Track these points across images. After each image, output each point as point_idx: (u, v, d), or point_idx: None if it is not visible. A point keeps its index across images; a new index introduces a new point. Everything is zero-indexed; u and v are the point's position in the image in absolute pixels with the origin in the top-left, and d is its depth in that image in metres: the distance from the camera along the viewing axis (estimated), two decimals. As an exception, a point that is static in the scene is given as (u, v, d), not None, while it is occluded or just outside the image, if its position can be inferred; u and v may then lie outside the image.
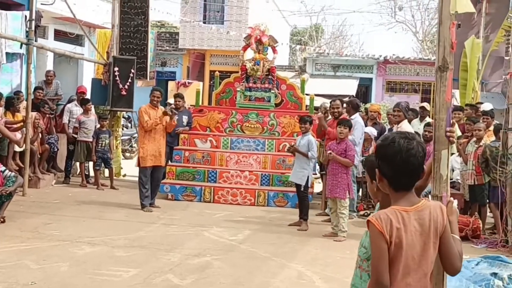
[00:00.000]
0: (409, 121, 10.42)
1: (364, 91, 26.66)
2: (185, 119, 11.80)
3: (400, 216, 2.48)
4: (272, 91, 12.17)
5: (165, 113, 9.54)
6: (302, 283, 5.93)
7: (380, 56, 25.92)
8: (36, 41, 11.55)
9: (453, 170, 9.79)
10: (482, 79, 13.44)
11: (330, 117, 11.57)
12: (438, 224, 2.53)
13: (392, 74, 26.23)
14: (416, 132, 9.49)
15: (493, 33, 13.64)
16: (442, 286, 2.77)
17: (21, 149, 10.35)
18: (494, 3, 13.09)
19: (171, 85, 23.16)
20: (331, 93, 22.86)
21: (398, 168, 2.53)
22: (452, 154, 9.95)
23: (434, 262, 2.58)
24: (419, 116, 10.99)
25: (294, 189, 10.58)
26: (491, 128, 9.58)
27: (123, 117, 14.69)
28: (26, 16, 11.67)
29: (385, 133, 11.08)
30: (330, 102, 10.25)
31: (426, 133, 8.80)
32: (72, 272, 5.81)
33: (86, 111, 12.07)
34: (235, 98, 12.28)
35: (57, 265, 6.01)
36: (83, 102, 12.23)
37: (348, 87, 24.52)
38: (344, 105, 10.20)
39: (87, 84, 14.35)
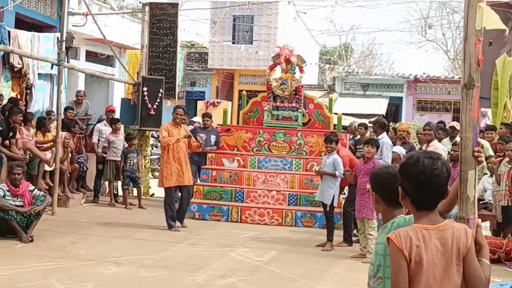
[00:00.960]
0: (439, 140, 10.25)
1: (394, 110, 26.42)
2: (213, 138, 11.84)
3: (420, 234, 2.46)
4: (299, 110, 12.11)
5: (187, 137, 9.54)
6: (329, 306, 5.82)
7: (410, 75, 25.71)
8: (68, 62, 11.76)
9: (485, 191, 9.59)
10: (514, 97, 13.14)
11: (358, 136, 11.54)
12: (461, 245, 2.47)
13: (422, 93, 25.96)
14: (449, 152, 9.35)
15: (525, 51, 13.39)
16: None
17: (51, 169, 10.46)
18: (526, 20, 12.87)
19: (200, 104, 23.30)
20: (360, 112, 22.75)
21: (421, 187, 2.50)
22: (485, 174, 9.79)
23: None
24: (449, 136, 10.82)
25: (322, 209, 10.50)
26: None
27: (152, 136, 14.78)
28: (57, 38, 11.89)
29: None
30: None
31: (452, 152, 8.73)
32: (97, 292, 5.81)
33: (115, 131, 12.19)
34: (262, 117, 12.26)
35: (83, 285, 6.02)
36: (112, 122, 12.37)
37: (378, 106, 24.34)
38: (371, 125, 10.09)
39: (117, 104, 14.52)
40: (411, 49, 65.77)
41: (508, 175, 8.70)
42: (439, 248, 2.44)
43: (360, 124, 11.94)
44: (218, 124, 12.87)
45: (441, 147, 9.43)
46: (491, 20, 2.74)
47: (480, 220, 2.73)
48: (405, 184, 2.56)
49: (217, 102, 23.65)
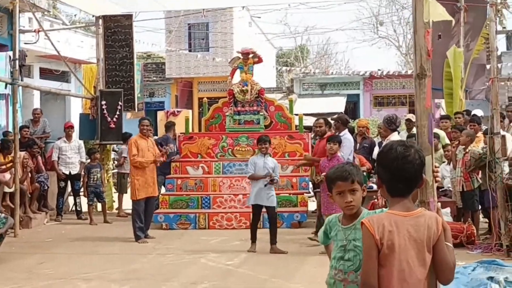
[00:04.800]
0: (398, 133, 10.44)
1: (352, 107, 26.83)
2: (174, 148, 11.83)
3: (393, 219, 2.54)
4: (261, 113, 12.19)
5: (162, 155, 9.67)
6: (302, 303, 5.86)
7: (366, 72, 26.13)
8: (21, 80, 11.56)
9: (443, 179, 9.80)
10: (465, 87, 13.50)
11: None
12: (432, 232, 2.55)
13: (378, 88, 26.42)
14: None
15: (473, 42, 13.73)
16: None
17: (11, 190, 10.25)
18: (472, 12, 13.18)
19: (160, 115, 23.14)
20: (320, 112, 22.99)
21: (394, 174, 2.59)
22: (443, 162, 10.02)
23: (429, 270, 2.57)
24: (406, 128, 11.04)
25: (289, 209, 10.61)
26: (479, 134, 9.61)
27: (113, 150, 14.63)
28: (10, 56, 11.69)
29: (375, 147, 11.13)
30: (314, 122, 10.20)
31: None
32: (67, 309, 5.72)
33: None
34: (225, 123, 12.29)
35: (52, 304, 5.92)
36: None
37: (336, 104, 24.70)
38: (333, 122, 10.21)
39: (75, 120, 14.34)
40: (365, 47, 66.88)
41: (462, 161, 8.95)
42: (412, 234, 2.52)
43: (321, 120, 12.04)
44: (181, 133, 12.84)
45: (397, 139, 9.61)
46: (437, 13, 2.85)
47: (439, 204, 2.81)
48: (381, 171, 2.66)
49: (177, 111, 23.54)
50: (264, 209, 8.71)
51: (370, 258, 2.51)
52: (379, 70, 25.99)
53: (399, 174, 2.57)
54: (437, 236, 2.55)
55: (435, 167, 2.86)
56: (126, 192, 12.10)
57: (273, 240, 8.41)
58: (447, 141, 10.13)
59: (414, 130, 9.69)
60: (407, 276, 2.50)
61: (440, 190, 9.84)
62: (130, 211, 10.24)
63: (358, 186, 2.98)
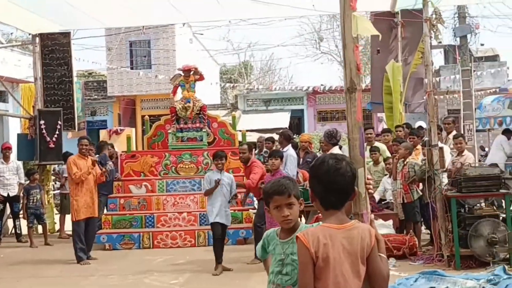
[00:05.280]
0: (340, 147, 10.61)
1: (297, 122, 27.11)
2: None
3: (328, 232, 2.56)
4: (204, 130, 12.15)
5: (93, 163, 9.35)
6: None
7: (309, 87, 26.50)
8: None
9: (386, 191, 10.00)
10: (405, 100, 13.87)
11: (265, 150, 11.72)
12: (366, 244, 2.59)
13: (322, 103, 26.82)
14: None
15: (411, 56, 14.16)
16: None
17: None
18: (409, 27, 13.59)
19: (103, 133, 22.85)
20: (264, 127, 23.16)
21: (326, 186, 2.63)
22: (385, 175, 10.23)
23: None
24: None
25: (234, 226, 10.53)
26: (418, 146, 9.87)
27: (53, 170, 14.26)
28: None
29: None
30: (240, 145, 10.03)
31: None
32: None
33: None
34: (167, 140, 12.19)
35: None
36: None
37: (281, 120, 24.93)
38: (277, 137, 10.30)
39: (13, 141, 13.93)
40: (307, 62, 67.82)
41: (401, 174, 9.15)
42: (346, 246, 2.56)
43: (267, 139, 12.12)
44: (123, 151, 12.65)
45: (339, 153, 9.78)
46: (365, 27, 2.93)
47: (373, 215, 2.87)
48: (314, 184, 2.69)
49: (120, 130, 23.28)
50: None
51: (306, 272, 2.53)
52: (322, 85, 26.39)
53: (331, 187, 2.62)
54: (371, 247, 2.60)
55: (368, 179, 2.92)
56: (68, 213, 11.78)
57: (219, 259, 8.22)
58: (388, 154, 10.35)
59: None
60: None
61: (383, 202, 10.05)
62: (71, 233, 9.98)
63: (295, 200, 3.00)
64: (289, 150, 9.77)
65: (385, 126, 13.88)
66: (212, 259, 8.56)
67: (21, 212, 11.72)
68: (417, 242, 8.62)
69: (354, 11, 2.95)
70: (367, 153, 10.28)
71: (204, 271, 8.22)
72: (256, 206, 12.09)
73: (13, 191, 11.67)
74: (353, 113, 2.92)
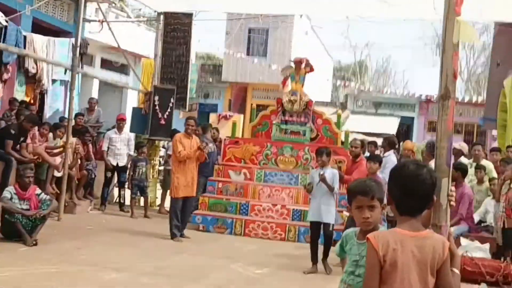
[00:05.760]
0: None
1: (405, 129, 26.43)
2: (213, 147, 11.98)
3: (399, 238, 2.54)
4: (307, 125, 12.16)
5: (199, 148, 9.64)
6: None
7: (422, 95, 25.73)
8: (82, 68, 11.92)
9: (487, 213, 9.60)
10: (524, 120, 13.16)
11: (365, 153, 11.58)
12: (437, 256, 2.54)
13: (434, 114, 25.86)
14: None
15: (536, 72, 13.39)
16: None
17: (60, 174, 10.59)
18: (536, 42, 12.91)
19: (213, 117, 23.45)
20: (371, 131, 22.79)
21: (404, 191, 2.60)
22: (488, 196, 9.81)
23: None
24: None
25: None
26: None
27: (162, 147, 14.88)
28: (72, 44, 12.11)
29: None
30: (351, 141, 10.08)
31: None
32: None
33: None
34: (271, 131, 12.34)
35: (82, 290, 6.12)
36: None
37: (389, 125, 24.40)
38: (381, 142, 10.18)
39: (129, 113, 14.68)
40: (425, 69, 65.65)
41: (506, 196, 8.71)
42: (416, 254, 2.52)
43: (369, 142, 11.98)
44: (227, 136, 12.99)
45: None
46: (468, 34, 2.85)
47: (452, 228, 2.81)
48: (392, 188, 2.67)
49: (229, 116, 23.79)
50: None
51: (372, 274, 2.53)
52: (436, 94, 25.56)
53: (409, 192, 2.59)
54: (442, 260, 2.54)
55: (451, 191, 2.85)
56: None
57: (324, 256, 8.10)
58: (495, 174, 9.91)
59: (463, 159, 9.43)
60: None
61: (482, 224, 9.64)
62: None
63: (378, 203, 2.99)
64: (390, 156, 9.64)
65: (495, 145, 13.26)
66: (299, 255, 8.64)
67: (127, 182, 12.35)
68: (513, 271, 8.22)
69: (458, 16, 2.87)
70: (472, 171, 9.90)
71: (289, 266, 8.29)
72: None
73: (123, 161, 12.31)
74: (444, 121, 2.85)
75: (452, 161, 9.61)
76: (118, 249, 8.38)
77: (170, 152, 11.85)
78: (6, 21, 10.35)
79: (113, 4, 16.64)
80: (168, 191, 10.97)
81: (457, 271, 2.62)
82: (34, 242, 7.87)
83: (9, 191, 8.11)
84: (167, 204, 12.18)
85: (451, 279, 2.56)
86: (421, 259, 2.52)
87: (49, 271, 6.71)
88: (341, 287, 3.02)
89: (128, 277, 6.83)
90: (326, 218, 8.10)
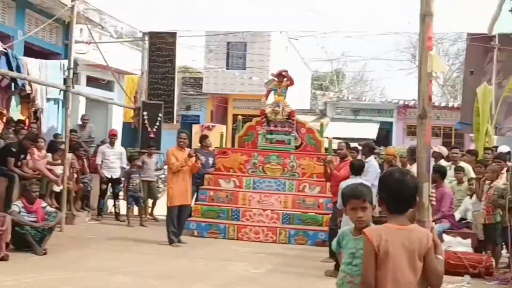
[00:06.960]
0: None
1: (385, 134, 27.14)
2: (210, 160, 12.49)
3: (389, 231, 3.15)
4: (292, 134, 12.78)
5: (189, 155, 10.21)
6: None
7: (399, 100, 26.50)
8: (73, 87, 12.43)
9: (467, 211, 10.20)
10: (496, 123, 13.91)
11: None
12: (423, 245, 3.14)
13: (412, 118, 26.63)
14: None
15: (505, 80, 14.18)
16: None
17: (59, 189, 11.08)
18: (505, 51, 13.68)
19: (196, 128, 23.99)
20: (351, 137, 23.38)
21: (392, 194, 3.23)
22: (468, 195, 10.43)
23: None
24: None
25: (313, 227, 11.14)
26: (503, 170, 9.98)
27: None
28: (63, 65, 12.61)
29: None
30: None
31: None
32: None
33: (149, 155, 13.11)
34: (257, 140, 12.91)
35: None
36: (148, 147, 13.34)
37: (369, 131, 25.04)
38: (360, 147, 10.84)
39: (116, 127, 15.17)
40: (401, 76, 66.95)
41: (486, 195, 9.32)
42: (405, 244, 3.12)
43: (351, 148, 12.56)
44: (215, 147, 13.55)
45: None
46: (438, 65, 3.55)
47: (434, 223, 3.46)
48: (382, 192, 3.29)
49: (212, 126, 24.35)
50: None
51: (369, 261, 3.13)
52: (414, 99, 26.32)
53: (397, 195, 3.20)
54: (427, 248, 3.14)
55: (431, 192, 3.50)
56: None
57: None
58: (473, 175, 10.42)
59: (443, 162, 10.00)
60: (400, 277, 3.09)
61: (463, 221, 10.25)
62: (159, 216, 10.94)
63: (368, 204, 3.61)
64: (372, 161, 10.23)
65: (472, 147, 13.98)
66: (293, 255, 9.20)
67: (122, 193, 12.85)
68: (493, 263, 8.69)
69: (430, 51, 3.54)
70: (451, 172, 10.55)
71: (285, 265, 8.89)
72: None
73: (116, 173, 12.86)
74: (423, 136, 3.55)
75: (432, 163, 10.28)
76: (122, 255, 8.91)
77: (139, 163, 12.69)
78: (5, 49, 10.82)
79: (100, 27, 17.15)
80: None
81: (440, 257, 3.22)
82: (44, 251, 8.36)
83: (17, 205, 8.62)
84: (157, 211, 12.84)
85: (436, 263, 3.16)
86: (409, 248, 3.12)
87: (62, 277, 7.22)
88: (341, 275, 3.61)
89: (136, 280, 7.37)
90: None
